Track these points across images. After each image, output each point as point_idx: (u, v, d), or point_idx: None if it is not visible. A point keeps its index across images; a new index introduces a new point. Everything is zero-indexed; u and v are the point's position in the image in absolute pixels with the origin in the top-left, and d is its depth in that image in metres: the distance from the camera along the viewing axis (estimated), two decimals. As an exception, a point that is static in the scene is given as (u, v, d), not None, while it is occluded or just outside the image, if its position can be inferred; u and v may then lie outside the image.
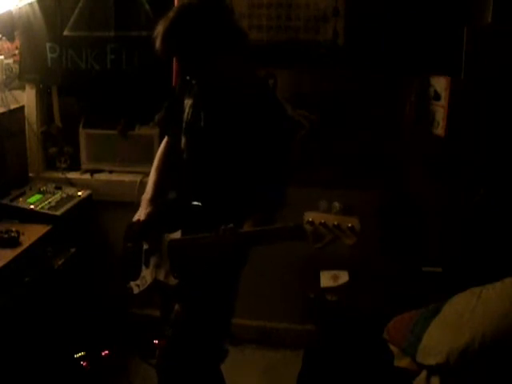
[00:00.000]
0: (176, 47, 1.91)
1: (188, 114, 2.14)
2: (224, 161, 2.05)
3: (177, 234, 2.08)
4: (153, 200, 2.20)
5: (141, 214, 2.17)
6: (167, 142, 2.33)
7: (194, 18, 1.88)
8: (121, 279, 2.25)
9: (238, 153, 2.01)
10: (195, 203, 2.08)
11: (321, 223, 1.71)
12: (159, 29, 1.90)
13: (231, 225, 1.88)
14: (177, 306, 2.21)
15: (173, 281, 2.07)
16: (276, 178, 2.02)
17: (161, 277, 2.11)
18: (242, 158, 2.00)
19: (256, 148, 1.97)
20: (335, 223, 1.69)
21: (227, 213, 1.99)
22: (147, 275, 2.16)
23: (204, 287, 2.11)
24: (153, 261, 2.15)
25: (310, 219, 1.72)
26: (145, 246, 2.19)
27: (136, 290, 2.19)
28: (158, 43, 1.91)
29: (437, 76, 2.87)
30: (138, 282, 2.19)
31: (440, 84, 2.85)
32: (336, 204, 1.73)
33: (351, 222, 1.68)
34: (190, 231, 2.04)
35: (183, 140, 2.17)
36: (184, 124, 2.15)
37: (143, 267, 2.18)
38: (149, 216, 2.15)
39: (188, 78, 2.03)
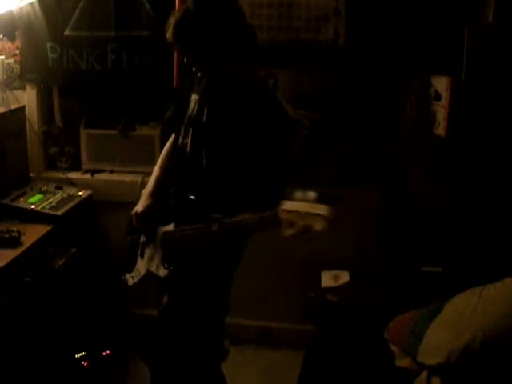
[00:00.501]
0: (184, 40, 1.93)
1: (193, 109, 2.14)
2: (223, 158, 2.05)
3: (170, 227, 2.10)
4: (153, 194, 2.21)
5: (139, 207, 2.19)
6: (174, 140, 2.33)
7: (207, 14, 1.90)
8: (118, 272, 2.29)
9: (237, 151, 2.01)
10: (191, 197, 2.09)
11: (294, 211, 1.74)
12: (171, 19, 1.93)
13: (218, 215, 1.92)
14: (165, 298, 2.21)
15: (163, 272, 2.09)
16: (275, 177, 2.03)
17: (153, 268, 2.14)
18: (241, 157, 2.00)
19: (255, 147, 1.97)
20: (306, 211, 1.72)
21: (223, 208, 2.00)
22: (141, 267, 2.20)
23: (194, 280, 2.12)
24: (147, 253, 2.17)
25: (285, 207, 1.75)
26: (142, 239, 2.22)
27: (131, 282, 2.23)
28: (168, 33, 1.93)
29: (437, 76, 2.87)
30: (132, 273, 2.22)
31: (441, 84, 2.85)
32: (311, 193, 1.75)
33: (320, 210, 1.70)
34: (182, 225, 2.07)
35: (188, 135, 2.16)
36: (186, 118, 2.16)
37: (138, 259, 2.21)
38: (147, 208, 2.16)
39: (194, 70, 2.04)
